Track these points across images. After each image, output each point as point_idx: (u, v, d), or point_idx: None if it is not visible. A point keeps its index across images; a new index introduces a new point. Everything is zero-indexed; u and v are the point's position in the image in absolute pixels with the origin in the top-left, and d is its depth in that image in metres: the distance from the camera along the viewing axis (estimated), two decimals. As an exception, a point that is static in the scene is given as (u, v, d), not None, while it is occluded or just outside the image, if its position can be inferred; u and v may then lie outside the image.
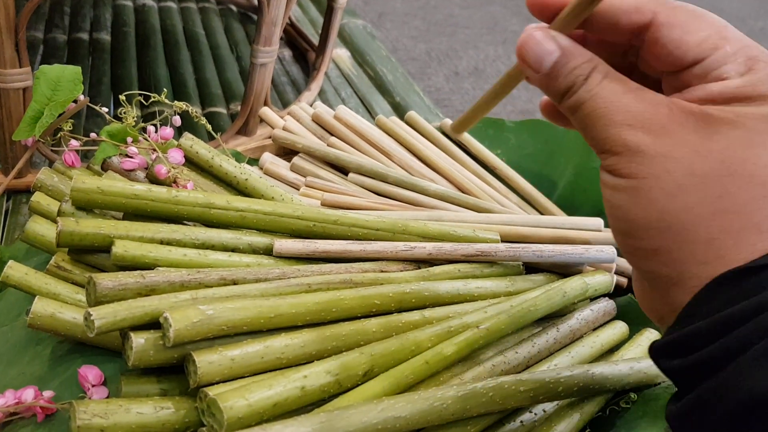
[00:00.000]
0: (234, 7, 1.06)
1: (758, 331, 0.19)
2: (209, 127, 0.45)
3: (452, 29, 2.72)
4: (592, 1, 0.23)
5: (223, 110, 0.78)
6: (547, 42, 0.24)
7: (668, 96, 0.24)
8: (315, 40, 0.94)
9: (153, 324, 0.30)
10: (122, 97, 0.42)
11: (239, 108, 0.78)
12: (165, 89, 0.43)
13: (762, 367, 0.19)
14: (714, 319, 0.21)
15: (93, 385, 0.32)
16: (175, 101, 0.43)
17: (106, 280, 0.30)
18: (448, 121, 0.56)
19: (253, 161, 0.53)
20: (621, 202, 0.23)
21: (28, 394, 0.32)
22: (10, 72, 0.52)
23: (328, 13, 0.81)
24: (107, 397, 0.32)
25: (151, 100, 0.42)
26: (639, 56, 0.26)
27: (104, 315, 0.29)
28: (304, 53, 0.93)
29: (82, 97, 0.42)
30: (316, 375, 0.29)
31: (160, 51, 0.88)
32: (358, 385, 0.30)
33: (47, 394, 0.32)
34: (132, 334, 0.29)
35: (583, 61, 0.24)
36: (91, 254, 0.36)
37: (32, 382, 0.33)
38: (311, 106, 0.57)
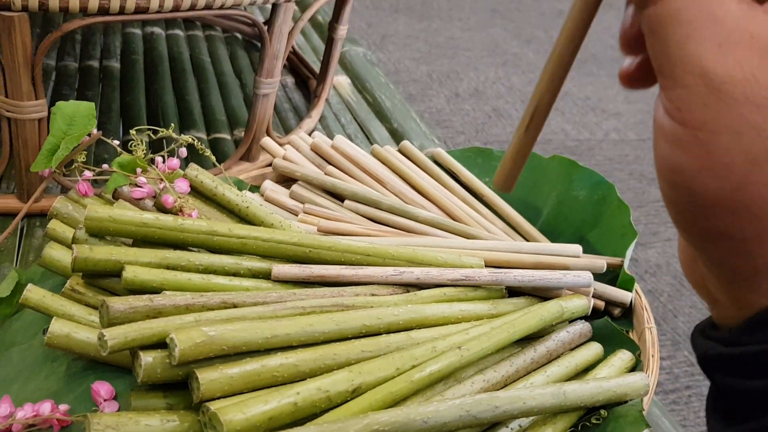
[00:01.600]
0: (239, 35, 1.10)
1: None
2: (213, 158, 0.48)
3: (453, 51, 2.78)
4: None
5: (227, 136, 0.81)
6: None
7: None
8: (316, 67, 0.98)
9: (160, 344, 0.33)
10: (133, 132, 0.45)
11: (243, 134, 0.82)
12: (172, 123, 0.47)
13: None
14: None
15: (105, 400, 0.35)
16: (182, 135, 0.47)
17: (117, 304, 0.33)
18: (439, 151, 0.60)
19: (255, 188, 0.56)
20: (684, 162, 0.17)
21: (45, 408, 0.34)
22: (27, 104, 0.55)
23: (329, 44, 0.85)
24: (118, 411, 0.35)
25: (159, 135, 0.45)
26: None
27: (116, 336, 0.31)
28: (306, 80, 0.97)
29: (95, 131, 0.45)
30: (308, 392, 0.32)
31: (168, 78, 0.92)
32: (347, 401, 0.33)
33: (63, 407, 0.35)
34: (141, 353, 0.32)
35: None
36: (103, 278, 0.39)
37: (48, 396, 0.36)
38: (311, 134, 0.60)
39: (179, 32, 1.06)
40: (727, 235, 0.17)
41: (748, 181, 0.16)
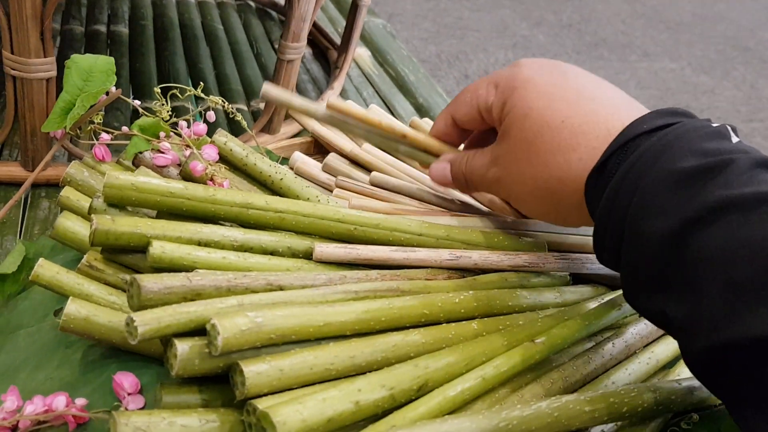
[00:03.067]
0: (252, 3, 1.04)
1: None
2: (245, 123, 0.43)
3: (462, 32, 2.71)
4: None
5: (243, 107, 0.76)
6: (442, 163, 0.41)
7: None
8: (335, 38, 0.92)
9: (198, 331, 0.28)
10: (157, 90, 0.40)
11: (260, 105, 0.76)
12: (201, 83, 0.41)
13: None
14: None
15: (129, 394, 0.30)
16: (210, 96, 0.42)
17: (151, 283, 0.28)
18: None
19: (284, 160, 0.51)
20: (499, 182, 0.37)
21: (60, 402, 0.30)
22: (35, 62, 0.50)
23: (353, 10, 0.79)
24: (143, 407, 0.30)
25: (187, 94, 0.40)
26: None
27: (148, 321, 0.27)
28: (325, 51, 0.91)
29: (113, 89, 0.40)
30: (371, 388, 0.27)
31: (179, 45, 0.86)
32: (411, 401, 0.29)
33: (79, 401, 0.30)
34: (176, 342, 0.27)
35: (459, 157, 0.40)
36: (125, 254, 0.34)
37: (61, 388, 0.31)
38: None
39: (190, -2, 1.00)
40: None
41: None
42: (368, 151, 0.50)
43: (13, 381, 0.33)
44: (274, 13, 1.02)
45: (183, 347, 0.27)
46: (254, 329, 0.27)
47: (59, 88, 0.42)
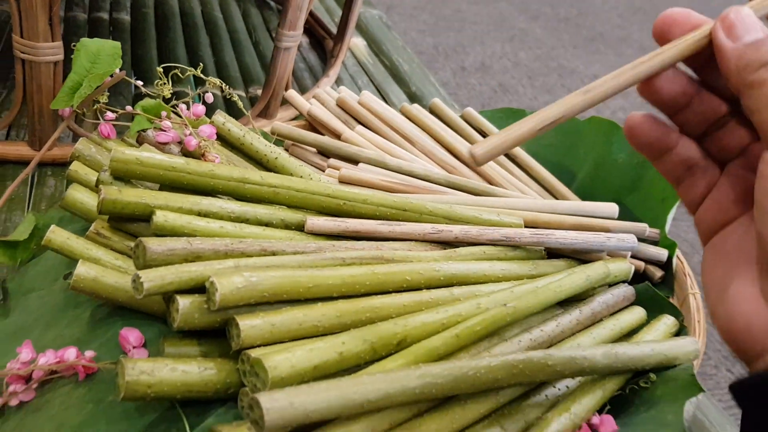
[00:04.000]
0: (251, -7, 1.06)
1: None
2: (241, 104, 0.45)
3: (460, 24, 2.73)
4: None
5: (242, 93, 0.79)
6: (756, 22, 0.24)
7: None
8: (332, 28, 0.95)
9: (197, 289, 0.31)
10: (159, 69, 0.43)
11: (258, 92, 0.79)
12: (201, 64, 0.44)
13: None
14: None
15: (134, 347, 0.33)
16: (210, 77, 0.44)
17: (155, 245, 0.31)
18: (470, 110, 0.57)
19: (278, 143, 0.54)
20: None
21: (70, 353, 0.33)
22: (43, 45, 0.53)
23: (348, 1, 0.82)
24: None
25: (187, 74, 0.42)
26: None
27: (153, 278, 0.30)
28: (321, 41, 0.94)
29: (118, 71, 0.43)
30: (354, 342, 0.30)
31: (179, 33, 0.89)
32: (391, 354, 0.32)
33: (88, 354, 0.33)
34: (178, 298, 0.30)
35: None
36: (130, 222, 0.37)
37: (71, 343, 0.34)
38: (337, 90, 0.58)
39: (190, -13, 1.03)
40: None
41: None
42: (361, 133, 0.53)
43: (26, 338, 0.36)
44: (272, 3, 1.05)
45: (184, 302, 0.30)
46: (249, 287, 0.30)
47: (65, 72, 0.44)
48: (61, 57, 0.54)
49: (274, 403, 0.24)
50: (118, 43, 0.43)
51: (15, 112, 0.57)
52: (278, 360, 0.28)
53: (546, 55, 2.58)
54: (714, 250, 0.26)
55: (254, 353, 0.29)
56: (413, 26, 2.62)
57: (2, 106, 0.67)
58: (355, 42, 0.97)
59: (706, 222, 0.26)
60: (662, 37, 0.25)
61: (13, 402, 0.33)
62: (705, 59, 0.25)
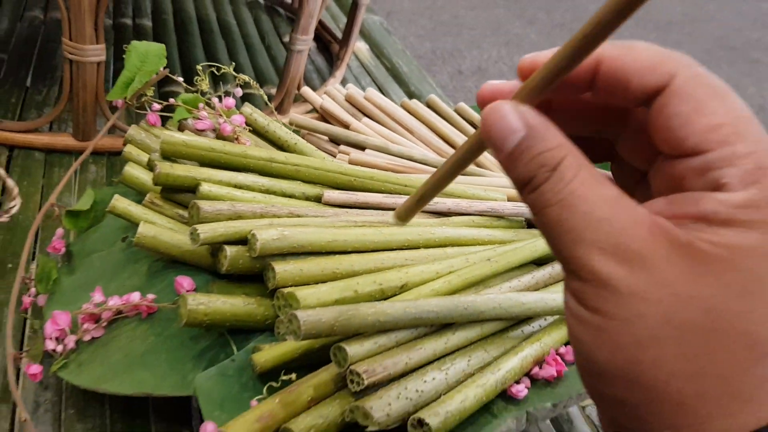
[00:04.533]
0: (261, 0, 1.14)
1: None
2: (266, 98, 0.53)
3: (457, 29, 2.82)
4: (569, 65, 0.19)
5: (256, 92, 0.86)
6: (513, 117, 0.20)
7: (655, 190, 0.21)
8: (336, 33, 1.02)
9: (240, 242, 0.38)
10: (199, 68, 0.50)
11: (271, 91, 0.87)
12: (233, 62, 0.52)
13: None
14: None
15: (187, 291, 0.40)
16: (240, 74, 0.52)
17: (206, 206, 0.39)
18: (463, 105, 0.65)
19: (295, 132, 0.61)
20: (584, 337, 0.19)
21: (135, 296, 0.40)
22: (89, 48, 0.61)
23: (353, 8, 0.90)
24: (197, 301, 0.40)
25: (223, 71, 0.50)
26: (625, 137, 0.23)
27: (207, 230, 0.37)
28: (328, 45, 1.01)
29: (161, 69, 0.51)
30: (366, 283, 0.38)
31: (198, 37, 0.96)
32: (396, 294, 0.39)
33: (150, 296, 0.40)
34: (226, 247, 0.38)
35: (551, 146, 0.20)
36: (178, 193, 0.44)
37: (132, 291, 0.42)
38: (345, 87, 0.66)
39: (205, -5, 1.10)
40: (623, 401, 0.19)
41: (637, 359, 0.18)
42: (367, 124, 0.60)
43: (92, 289, 0.43)
44: (281, 10, 1.13)
45: (231, 250, 0.37)
46: (282, 239, 0.38)
47: (107, 71, 0.52)
48: (103, 58, 0.62)
49: (309, 317, 0.32)
50: (162, 45, 0.50)
51: (62, 107, 0.64)
52: (307, 293, 0.35)
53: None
54: None
55: (287, 290, 0.36)
56: (412, 31, 2.70)
57: (43, 102, 0.75)
58: (359, 46, 1.05)
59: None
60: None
61: (86, 337, 0.41)
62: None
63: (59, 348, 0.40)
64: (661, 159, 0.21)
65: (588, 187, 0.19)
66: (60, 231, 0.47)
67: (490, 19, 2.97)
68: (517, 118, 0.20)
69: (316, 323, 0.32)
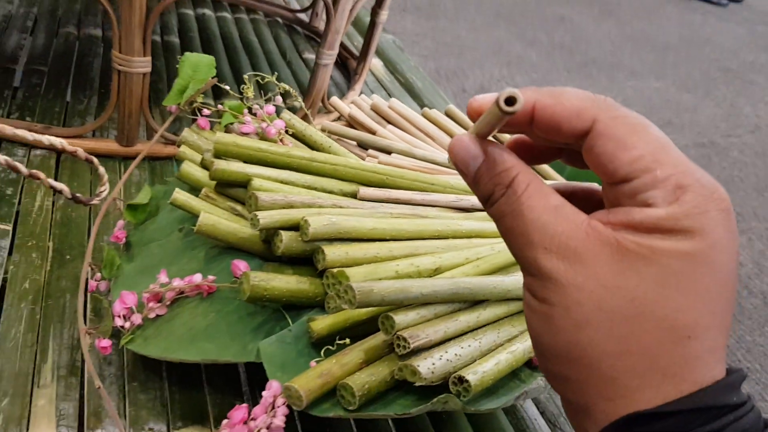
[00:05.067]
0: (280, 20, 1.20)
1: None
2: (303, 103, 0.58)
3: (459, 50, 2.89)
4: (501, 117, 0.22)
5: (281, 105, 0.92)
6: (472, 146, 0.24)
7: (605, 208, 0.24)
8: (352, 50, 1.08)
9: (293, 228, 0.43)
10: (245, 77, 0.55)
11: (294, 103, 0.92)
12: (276, 72, 0.57)
13: None
14: None
15: (243, 273, 0.45)
16: (281, 83, 0.57)
17: (264, 195, 0.43)
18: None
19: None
20: (534, 324, 0.24)
21: (197, 277, 0.45)
22: (137, 59, 0.66)
23: (371, 27, 0.95)
24: (251, 283, 0.45)
25: (267, 80, 0.55)
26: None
27: (265, 216, 0.42)
28: (345, 61, 1.07)
29: (210, 78, 0.56)
30: (405, 265, 0.43)
31: (223, 54, 1.02)
32: (430, 277, 0.44)
33: (210, 277, 0.45)
34: (282, 232, 0.42)
35: (503, 168, 0.24)
36: (231, 188, 0.49)
37: (191, 275, 0.46)
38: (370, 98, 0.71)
39: (227, 15, 1.16)
40: (567, 377, 0.23)
41: (576, 340, 0.22)
42: (391, 131, 0.66)
43: (152, 273, 0.48)
44: (299, 28, 1.18)
45: (286, 234, 0.42)
46: (330, 226, 0.43)
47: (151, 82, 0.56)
48: (149, 69, 0.67)
49: (363, 288, 0.36)
50: (212, 57, 0.55)
51: (109, 115, 0.69)
52: (355, 271, 0.40)
53: (542, 79, 2.74)
54: None
55: (336, 269, 0.41)
56: (416, 51, 2.77)
57: (85, 111, 0.80)
58: (374, 62, 1.10)
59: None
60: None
61: (151, 315, 0.45)
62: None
63: (126, 324, 0.45)
64: (605, 184, 0.24)
65: (535, 199, 0.23)
66: (121, 222, 0.52)
67: (491, 41, 3.04)
68: (476, 147, 0.25)
69: (368, 293, 0.36)
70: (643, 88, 2.94)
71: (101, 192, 0.35)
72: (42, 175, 0.31)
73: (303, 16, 1.20)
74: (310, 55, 1.09)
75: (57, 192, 0.33)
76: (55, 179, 0.67)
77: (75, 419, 0.44)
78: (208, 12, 1.15)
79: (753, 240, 2.00)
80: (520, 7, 3.54)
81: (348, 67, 1.05)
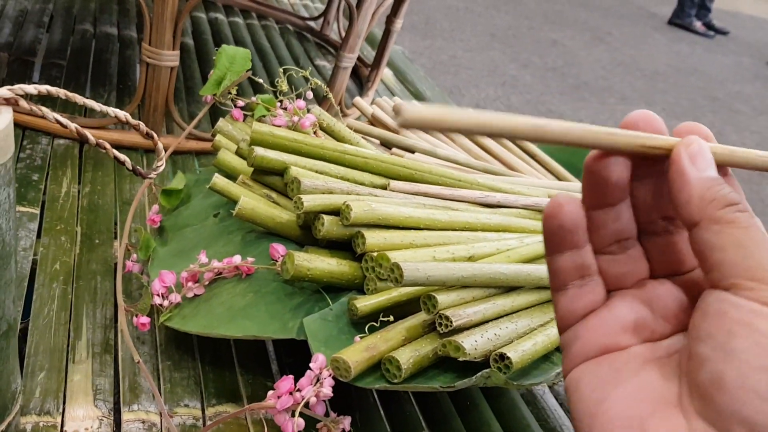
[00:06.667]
0: (291, 27, 1.22)
1: None
2: (333, 98, 0.60)
3: (455, 69, 2.93)
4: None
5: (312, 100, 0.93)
6: (712, 158, 0.23)
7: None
8: (363, 58, 1.10)
9: (333, 212, 0.44)
10: (280, 70, 0.57)
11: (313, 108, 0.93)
12: (304, 69, 0.58)
13: None
14: None
15: (281, 255, 0.46)
16: (314, 79, 0.59)
17: (306, 180, 0.45)
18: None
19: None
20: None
21: (236, 258, 0.46)
22: (166, 53, 0.67)
23: (385, 35, 0.97)
24: (289, 266, 0.46)
25: (303, 74, 0.57)
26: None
27: (308, 200, 0.43)
28: (356, 69, 1.09)
29: (245, 72, 0.57)
30: (441, 251, 0.44)
31: (237, 56, 1.03)
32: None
33: (249, 259, 0.46)
34: (323, 215, 0.44)
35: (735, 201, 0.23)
36: (267, 175, 0.51)
37: (228, 257, 0.47)
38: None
39: (239, 20, 1.18)
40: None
41: None
42: (413, 132, 0.67)
43: (187, 256, 0.49)
44: (309, 36, 1.20)
45: (328, 218, 0.44)
46: (369, 212, 0.44)
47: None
48: (177, 63, 0.68)
49: (409, 266, 0.38)
50: (248, 50, 0.57)
51: (134, 106, 0.70)
52: (394, 254, 0.42)
53: (536, 100, 2.78)
54: (596, 376, 0.24)
55: (376, 253, 0.42)
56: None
57: (105, 105, 0.81)
58: (384, 72, 1.12)
59: (584, 341, 0.25)
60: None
61: (189, 294, 0.46)
62: (646, 171, 0.25)
63: (165, 303, 0.46)
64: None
65: None
66: (156, 207, 0.53)
67: (486, 61, 3.09)
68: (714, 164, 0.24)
69: (414, 272, 0.38)
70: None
71: (158, 166, 0.36)
72: (107, 144, 0.32)
73: (313, 25, 1.22)
74: (322, 62, 1.11)
75: (120, 163, 0.34)
76: (79, 169, 0.68)
77: (111, 394, 0.44)
78: (220, 16, 1.17)
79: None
80: (514, 30, 3.60)
81: (359, 74, 1.07)
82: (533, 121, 0.21)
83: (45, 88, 0.33)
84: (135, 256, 0.50)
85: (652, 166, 0.24)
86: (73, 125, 0.33)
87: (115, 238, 0.58)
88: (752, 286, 0.21)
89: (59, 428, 0.41)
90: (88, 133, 0.33)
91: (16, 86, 0.32)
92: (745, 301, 0.21)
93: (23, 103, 0.32)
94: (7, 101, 0.32)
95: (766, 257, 0.21)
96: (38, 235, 0.57)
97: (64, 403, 0.43)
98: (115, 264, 0.52)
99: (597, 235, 0.25)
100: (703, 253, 0.23)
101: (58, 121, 0.32)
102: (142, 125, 0.35)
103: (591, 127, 0.23)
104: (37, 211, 0.60)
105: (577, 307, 0.25)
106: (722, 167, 0.24)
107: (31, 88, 0.32)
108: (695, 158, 0.23)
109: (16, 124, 0.69)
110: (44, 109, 0.32)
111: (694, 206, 0.23)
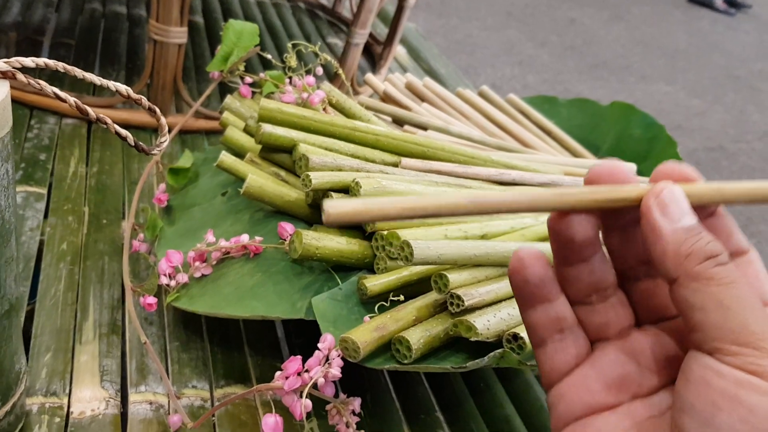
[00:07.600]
0: (302, 4, 1.20)
1: None
2: (343, 75, 0.58)
3: (471, 48, 2.89)
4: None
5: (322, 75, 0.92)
6: (687, 204, 0.22)
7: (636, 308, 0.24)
8: (375, 35, 1.08)
9: (342, 190, 0.43)
10: (289, 46, 0.55)
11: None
12: (311, 47, 0.57)
13: None
14: None
15: (290, 234, 0.45)
16: (323, 54, 0.57)
17: (315, 157, 0.44)
18: (513, 96, 0.70)
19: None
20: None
21: (244, 238, 0.45)
22: (174, 29, 0.66)
23: (398, 11, 0.95)
24: (297, 245, 0.45)
25: (311, 49, 0.55)
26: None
27: (317, 177, 0.42)
28: (369, 46, 1.07)
29: (253, 47, 0.56)
30: (453, 229, 0.43)
31: (248, 35, 1.02)
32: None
33: (257, 238, 0.45)
34: (332, 193, 0.42)
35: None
36: (275, 153, 0.49)
37: (237, 236, 0.46)
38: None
39: (250, -2, 1.16)
40: None
41: None
42: (427, 109, 0.66)
43: (195, 236, 0.48)
44: (321, 14, 1.19)
45: (336, 196, 0.42)
46: (380, 188, 0.43)
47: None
48: (185, 40, 0.67)
49: (419, 244, 0.36)
50: (256, 25, 0.56)
51: (143, 85, 0.69)
52: (405, 233, 0.40)
53: (553, 79, 2.74)
54: None
55: (387, 231, 0.41)
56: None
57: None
58: (397, 50, 1.10)
59: (568, 401, 0.24)
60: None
61: (196, 274, 0.45)
62: (616, 222, 0.23)
63: (172, 283, 0.45)
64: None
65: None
66: (162, 186, 0.52)
67: (503, 40, 3.05)
68: (691, 209, 0.22)
69: (425, 250, 0.37)
70: (653, 92, 2.95)
71: (161, 142, 0.35)
72: (109, 120, 0.31)
73: (325, 2, 1.20)
74: (334, 40, 1.09)
75: (122, 139, 0.33)
76: (87, 149, 0.67)
77: (118, 375, 0.44)
78: (231, -6, 1.15)
79: (762, 243, 2.00)
80: (531, 8, 3.54)
81: (372, 52, 1.06)
82: (469, 196, 0.21)
83: (42, 60, 0.31)
84: (142, 235, 0.50)
85: (624, 215, 0.23)
86: (72, 99, 0.32)
87: (123, 218, 0.58)
88: (736, 350, 0.20)
89: (65, 409, 0.41)
90: (89, 108, 0.32)
91: (13, 59, 0.31)
92: (728, 368, 0.20)
93: (20, 76, 0.31)
94: (4, 74, 0.31)
95: (750, 318, 0.20)
96: (45, 215, 0.56)
97: (70, 384, 0.43)
98: (123, 244, 0.51)
99: (572, 288, 0.24)
100: (684, 312, 0.21)
101: (56, 95, 0.31)
102: (144, 99, 0.34)
103: (539, 192, 0.22)
104: (45, 191, 0.59)
105: (560, 363, 0.24)
106: (710, 206, 0.22)
107: (28, 61, 0.31)
108: (666, 208, 0.21)
109: (25, 104, 0.69)
110: (42, 82, 0.31)
111: (670, 262, 0.21)
